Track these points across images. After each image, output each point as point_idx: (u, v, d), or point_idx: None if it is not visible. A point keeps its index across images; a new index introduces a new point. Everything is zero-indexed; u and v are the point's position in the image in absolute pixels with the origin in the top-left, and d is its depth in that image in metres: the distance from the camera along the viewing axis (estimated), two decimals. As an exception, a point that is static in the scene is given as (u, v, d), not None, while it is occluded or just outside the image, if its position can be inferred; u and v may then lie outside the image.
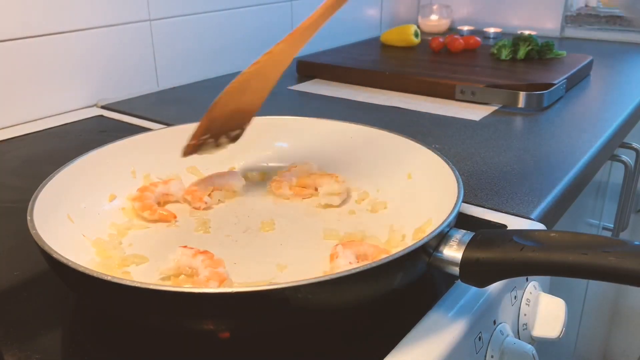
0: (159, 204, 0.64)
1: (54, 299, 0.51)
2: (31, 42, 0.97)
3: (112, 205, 0.63)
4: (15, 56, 0.96)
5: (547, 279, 0.64)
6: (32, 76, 0.99)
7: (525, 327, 0.58)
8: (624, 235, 1.23)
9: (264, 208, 0.65)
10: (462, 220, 0.57)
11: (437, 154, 0.62)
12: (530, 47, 1.27)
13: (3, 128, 0.97)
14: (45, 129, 0.97)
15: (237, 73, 0.61)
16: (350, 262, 0.51)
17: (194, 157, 0.67)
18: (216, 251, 0.53)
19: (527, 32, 1.32)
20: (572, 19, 1.75)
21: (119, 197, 0.64)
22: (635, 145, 1.08)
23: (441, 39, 1.41)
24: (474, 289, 0.51)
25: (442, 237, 0.47)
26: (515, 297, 0.57)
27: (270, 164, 0.73)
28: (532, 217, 0.65)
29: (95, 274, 0.41)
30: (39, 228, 0.47)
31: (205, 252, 0.52)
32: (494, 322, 0.53)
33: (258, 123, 0.74)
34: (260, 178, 0.71)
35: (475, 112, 1.02)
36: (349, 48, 1.46)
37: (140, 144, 0.68)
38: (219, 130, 0.66)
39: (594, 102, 1.12)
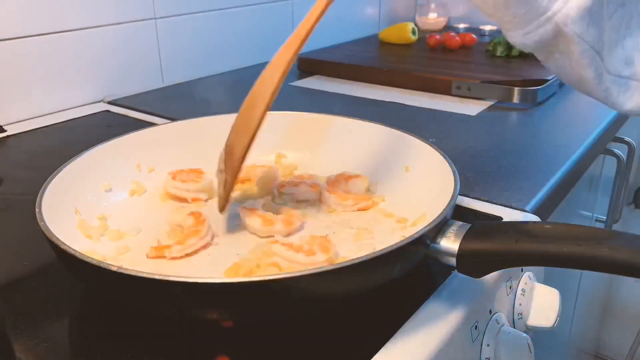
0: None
1: (61, 289, 0.52)
2: (40, 39, 0.98)
3: (118, 198, 0.64)
4: (25, 53, 0.97)
5: (541, 269, 0.65)
6: (40, 73, 1.00)
7: (520, 316, 0.58)
8: (616, 227, 1.24)
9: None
10: (458, 213, 0.58)
11: (434, 148, 0.62)
12: (524, 44, 1.28)
13: (13, 123, 0.98)
14: (53, 124, 0.98)
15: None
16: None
17: (199, 156, 0.68)
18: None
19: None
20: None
21: (124, 191, 0.65)
22: (627, 139, 1.09)
23: (438, 37, 1.42)
24: (470, 279, 0.50)
25: (439, 229, 0.48)
26: (510, 287, 0.57)
27: (270, 158, 0.73)
28: (527, 209, 0.65)
29: (101, 265, 0.41)
30: (47, 220, 0.48)
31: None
32: (490, 311, 0.53)
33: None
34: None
35: (471, 107, 1.03)
36: (349, 45, 1.47)
37: (145, 138, 0.69)
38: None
39: (587, 97, 1.13)
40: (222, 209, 0.60)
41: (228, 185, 0.58)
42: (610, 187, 1.16)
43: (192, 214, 0.59)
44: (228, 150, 0.59)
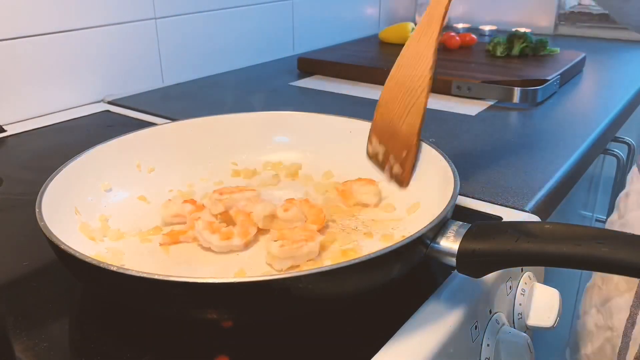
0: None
1: (61, 289, 0.52)
2: (40, 39, 0.98)
3: (118, 198, 0.63)
4: (24, 53, 0.97)
5: (541, 269, 0.65)
6: (41, 73, 1.00)
7: (520, 316, 0.58)
8: (616, 229, 1.24)
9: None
10: (458, 213, 0.58)
11: (434, 148, 0.62)
12: (524, 44, 1.28)
13: (13, 122, 0.98)
14: (54, 124, 0.98)
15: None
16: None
17: (199, 156, 0.67)
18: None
19: (521, 30, 1.33)
20: (566, 16, 1.76)
21: (125, 190, 0.64)
22: (627, 139, 1.09)
23: (437, 36, 1.42)
24: (470, 279, 0.50)
25: (439, 229, 0.48)
26: (510, 287, 0.57)
27: (271, 158, 0.73)
28: (527, 209, 0.65)
29: (101, 265, 0.41)
30: (47, 220, 0.48)
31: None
32: (490, 311, 0.54)
33: (259, 118, 0.75)
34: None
35: (471, 107, 1.03)
36: (349, 45, 1.47)
37: (145, 138, 0.69)
38: (388, 146, 0.65)
39: (587, 97, 1.14)
40: (404, 183, 0.63)
41: (409, 160, 0.61)
42: (610, 187, 1.16)
43: (188, 200, 0.61)
44: (388, 129, 0.62)
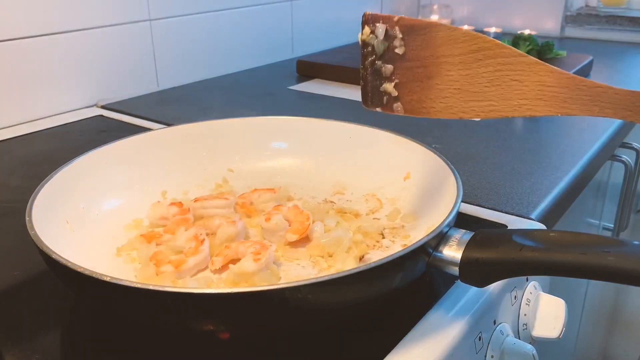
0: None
1: (53, 299, 0.52)
2: (31, 42, 0.98)
3: (111, 205, 0.63)
4: (15, 56, 0.96)
5: (547, 278, 0.64)
6: (32, 76, 0.99)
7: (525, 327, 0.58)
8: (624, 235, 1.23)
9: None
10: (461, 220, 0.57)
11: (437, 154, 0.62)
12: (530, 47, 1.27)
13: (3, 128, 0.97)
14: (46, 129, 0.98)
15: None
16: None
17: (195, 162, 0.66)
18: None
19: (527, 32, 1.32)
20: (572, 18, 1.75)
21: (118, 197, 0.64)
22: (635, 145, 1.08)
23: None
24: (473, 288, 0.51)
25: (441, 237, 0.47)
26: (515, 297, 0.57)
27: (268, 164, 0.73)
28: (532, 216, 0.65)
29: (93, 275, 0.41)
30: (38, 228, 0.47)
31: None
32: (494, 322, 0.53)
33: (256, 123, 0.74)
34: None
35: (475, 112, 1.02)
36: (349, 48, 1.46)
37: (140, 144, 0.68)
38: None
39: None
40: None
41: None
42: (618, 194, 1.16)
43: (175, 203, 0.61)
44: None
